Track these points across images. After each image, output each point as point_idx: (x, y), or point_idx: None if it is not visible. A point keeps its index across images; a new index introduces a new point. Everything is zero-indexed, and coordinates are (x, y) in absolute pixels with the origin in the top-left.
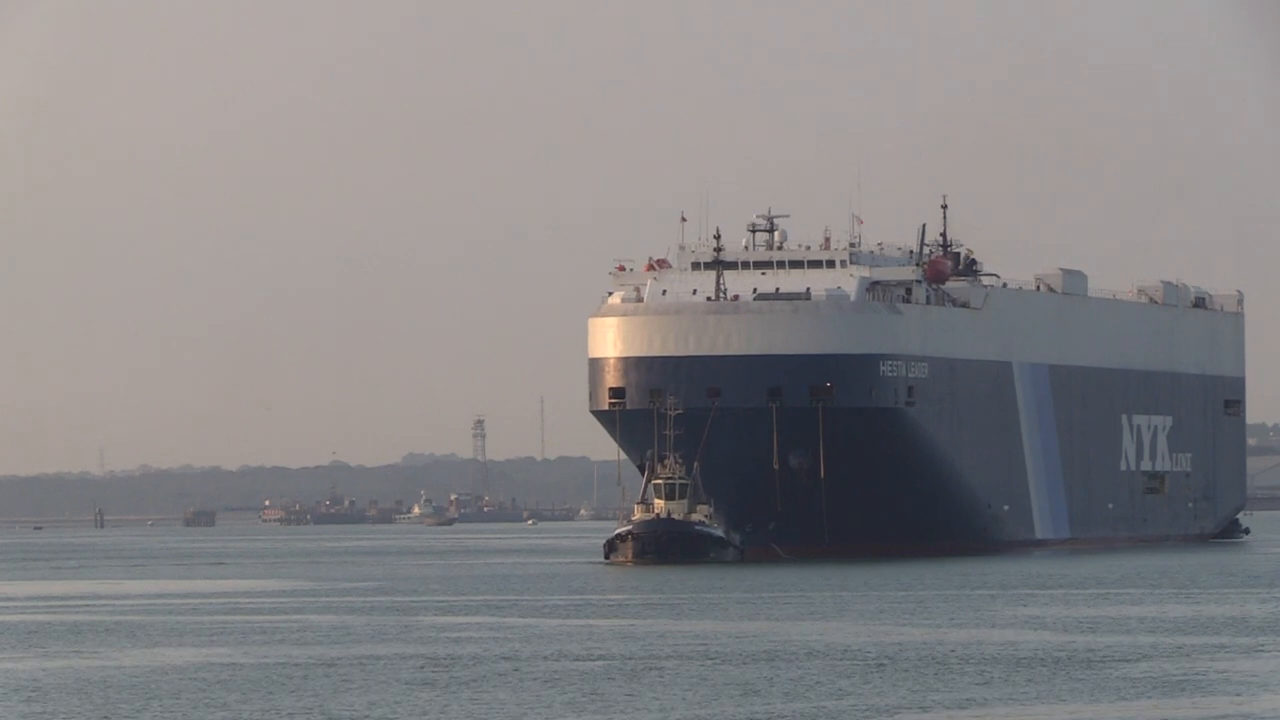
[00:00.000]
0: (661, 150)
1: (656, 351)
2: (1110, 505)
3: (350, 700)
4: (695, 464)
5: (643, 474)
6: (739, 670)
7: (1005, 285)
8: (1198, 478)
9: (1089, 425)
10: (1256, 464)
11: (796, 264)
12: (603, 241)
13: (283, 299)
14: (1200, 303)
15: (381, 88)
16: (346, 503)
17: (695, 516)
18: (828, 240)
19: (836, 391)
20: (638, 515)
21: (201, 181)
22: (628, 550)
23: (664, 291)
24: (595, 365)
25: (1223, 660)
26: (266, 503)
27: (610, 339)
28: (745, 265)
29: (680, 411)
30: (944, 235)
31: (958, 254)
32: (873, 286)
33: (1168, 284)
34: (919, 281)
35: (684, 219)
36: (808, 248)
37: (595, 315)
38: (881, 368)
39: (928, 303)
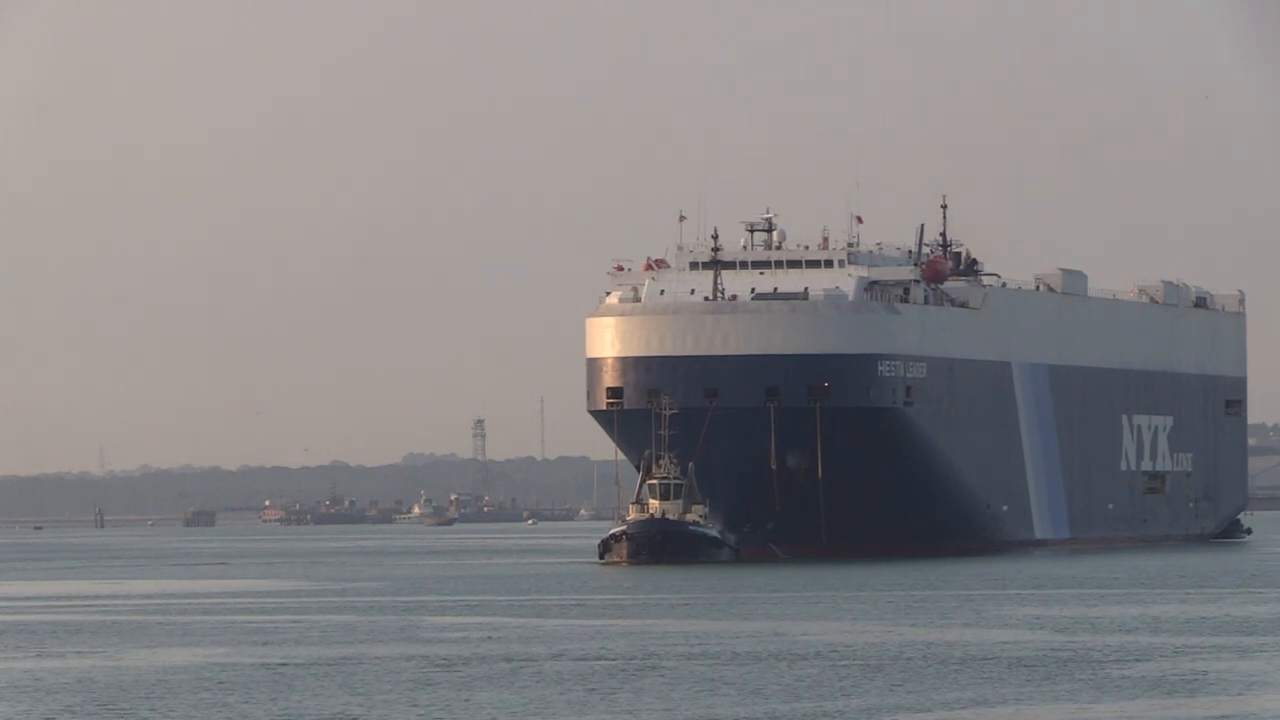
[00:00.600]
0: (661, 150)
1: (654, 351)
2: (1110, 505)
3: (351, 700)
4: (690, 464)
5: (640, 474)
6: (738, 670)
7: (1005, 285)
8: (1199, 478)
9: (1089, 425)
10: (1257, 464)
11: (795, 264)
12: (603, 241)
13: (283, 299)
14: (1201, 302)
15: (381, 88)
16: (346, 503)
17: (690, 517)
18: (826, 240)
19: (834, 391)
20: (632, 515)
21: (202, 182)
22: (622, 550)
23: (662, 291)
24: (593, 365)
25: (1223, 660)
26: (266, 503)
27: (608, 339)
28: (743, 265)
29: (675, 411)
30: (944, 235)
31: (958, 254)
32: (871, 286)
33: (1168, 284)
34: (917, 281)
35: (682, 218)
36: (806, 247)
37: (593, 315)
38: (879, 368)
39: (926, 303)
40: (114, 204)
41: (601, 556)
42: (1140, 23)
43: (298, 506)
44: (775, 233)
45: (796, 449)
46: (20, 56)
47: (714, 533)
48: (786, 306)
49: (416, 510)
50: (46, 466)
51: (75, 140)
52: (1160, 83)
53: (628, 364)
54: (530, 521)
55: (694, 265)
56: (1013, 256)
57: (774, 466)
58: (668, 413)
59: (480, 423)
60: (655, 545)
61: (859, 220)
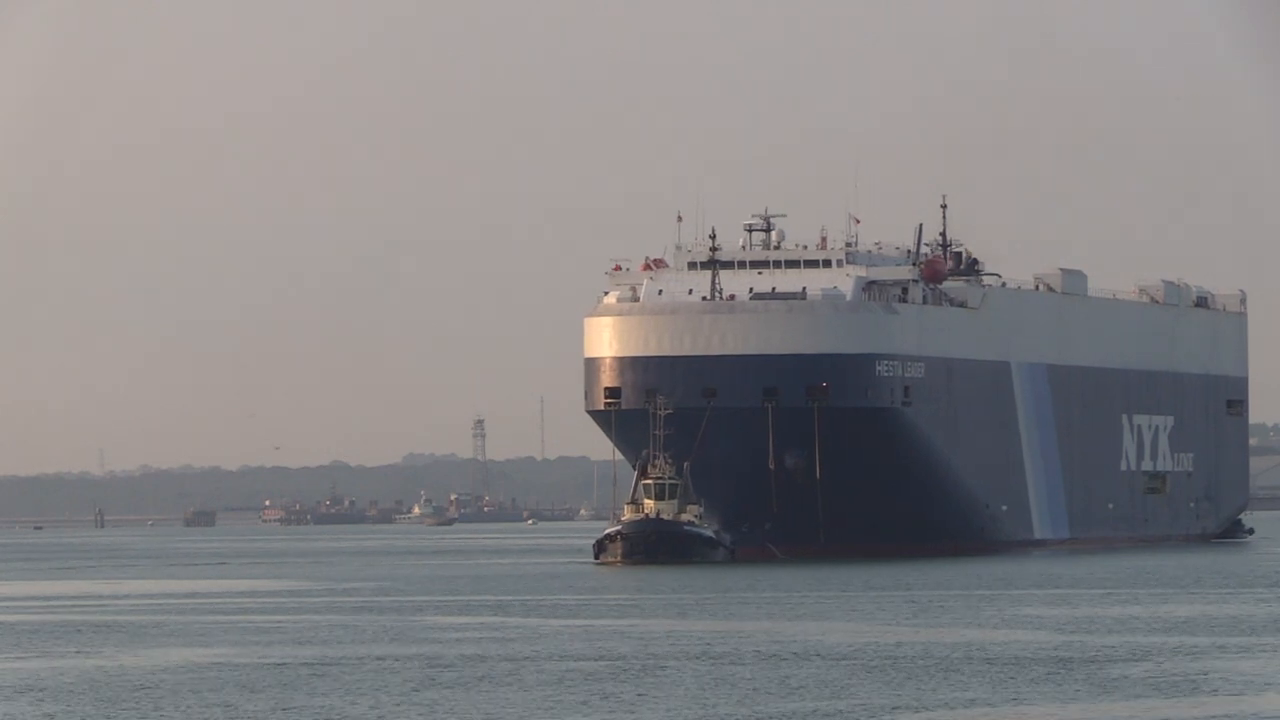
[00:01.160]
0: (660, 150)
1: (652, 351)
2: (1110, 505)
3: (354, 700)
4: (685, 464)
5: (636, 474)
6: (736, 670)
7: (1004, 285)
8: (1199, 478)
9: (1089, 425)
10: (1257, 464)
11: (793, 264)
12: (603, 241)
13: (283, 299)
14: (1202, 302)
15: (380, 89)
16: (346, 503)
17: (685, 517)
18: (824, 240)
19: (832, 391)
20: (627, 515)
21: (202, 181)
22: (617, 550)
23: (660, 291)
24: (591, 365)
25: (1223, 660)
26: (266, 503)
27: (606, 339)
28: (742, 265)
29: (669, 411)
30: (944, 235)
31: (959, 254)
32: (869, 286)
33: (1168, 283)
34: (916, 281)
35: (680, 218)
36: (804, 247)
37: (591, 315)
38: (877, 367)
39: (924, 302)
40: (114, 204)
41: (596, 557)
42: (1140, 23)
43: (298, 506)
44: (774, 233)
45: (794, 449)
46: (20, 56)
47: (709, 533)
48: (784, 306)
49: (416, 510)
50: (46, 466)
51: (75, 140)
52: (1160, 83)
53: (625, 364)
54: (530, 521)
55: (692, 265)
56: (1013, 257)
57: (772, 466)
58: (663, 413)
59: (480, 423)
60: (650, 545)
61: (857, 220)
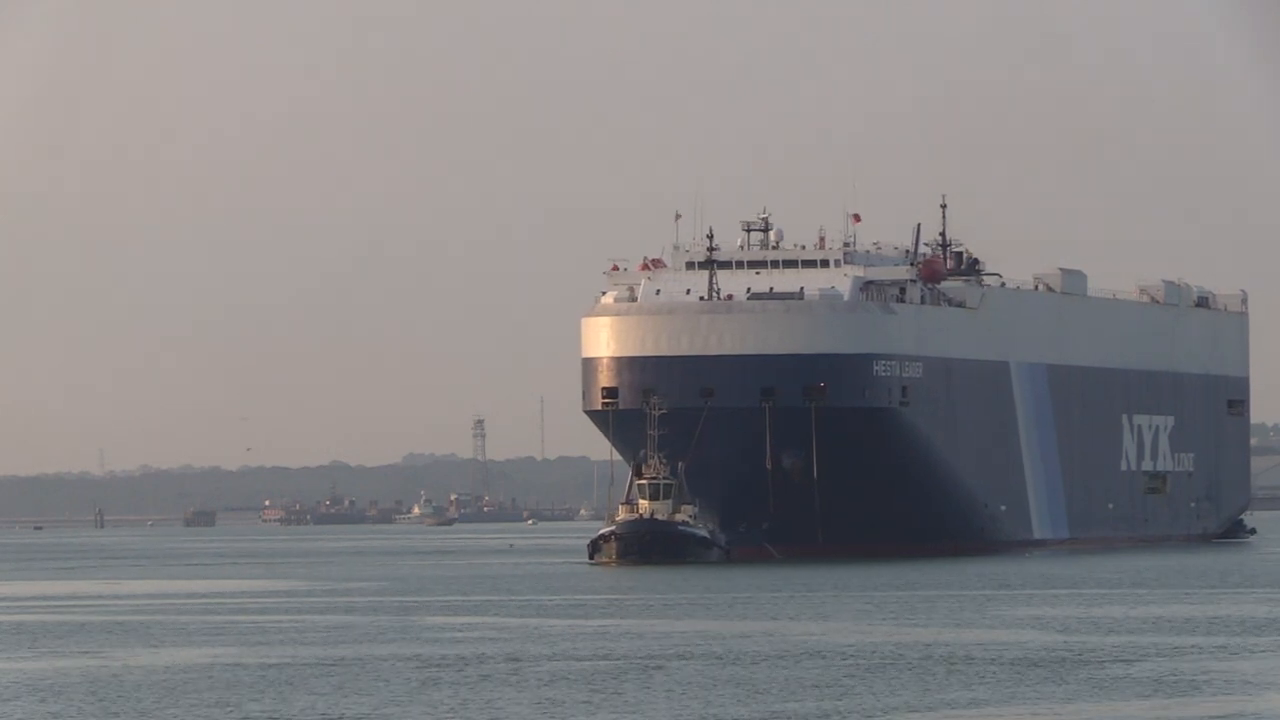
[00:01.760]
0: (659, 149)
1: (649, 351)
2: (1110, 505)
3: (358, 700)
4: (680, 464)
5: (630, 474)
6: (737, 671)
7: (1004, 285)
8: (1200, 478)
9: (1089, 425)
10: (1258, 464)
11: (791, 263)
12: (603, 240)
13: (283, 299)
14: (1203, 302)
15: (380, 88)
16: (346, 503)
17: (679, 517)
18: (822, 240)
19: (830, 391)
20: (621, 515)
21: (201, 181)
22: (611, 551)
23: (658, 291)
24: (588, 365)
25: (1223, 660)
26: (266, 503)
27: (603, 339)
28: (739, 265)
29: (664, 411)
30: (943, 235)
31: (959, 254)
32: (866, 286)
33: (1169, 283)
34: (914, 281)
35: (679, 218)
36: (802, 247)
37: (588, 315)
38: (875, 367)
39: (922, 302)
40: (114, 204)
41: (591, 557)
42: (1140, 23)
43: (298, 506)
44: (772, 232)
45: (792, 449)
46: (20, 56)
47: (703, 533)
48: (782, 306)
49: (416, 510)
50: (46, 466)
51: (75, 140)
52: (1160, 83)
53: (623, 364)
54: (530, 521)
55: (690, 265)
56: (1013, 257)
57: (769, 466)
58: (657, 413)
59: (480, 423)
60: (644, 545)
61: (855, 220)
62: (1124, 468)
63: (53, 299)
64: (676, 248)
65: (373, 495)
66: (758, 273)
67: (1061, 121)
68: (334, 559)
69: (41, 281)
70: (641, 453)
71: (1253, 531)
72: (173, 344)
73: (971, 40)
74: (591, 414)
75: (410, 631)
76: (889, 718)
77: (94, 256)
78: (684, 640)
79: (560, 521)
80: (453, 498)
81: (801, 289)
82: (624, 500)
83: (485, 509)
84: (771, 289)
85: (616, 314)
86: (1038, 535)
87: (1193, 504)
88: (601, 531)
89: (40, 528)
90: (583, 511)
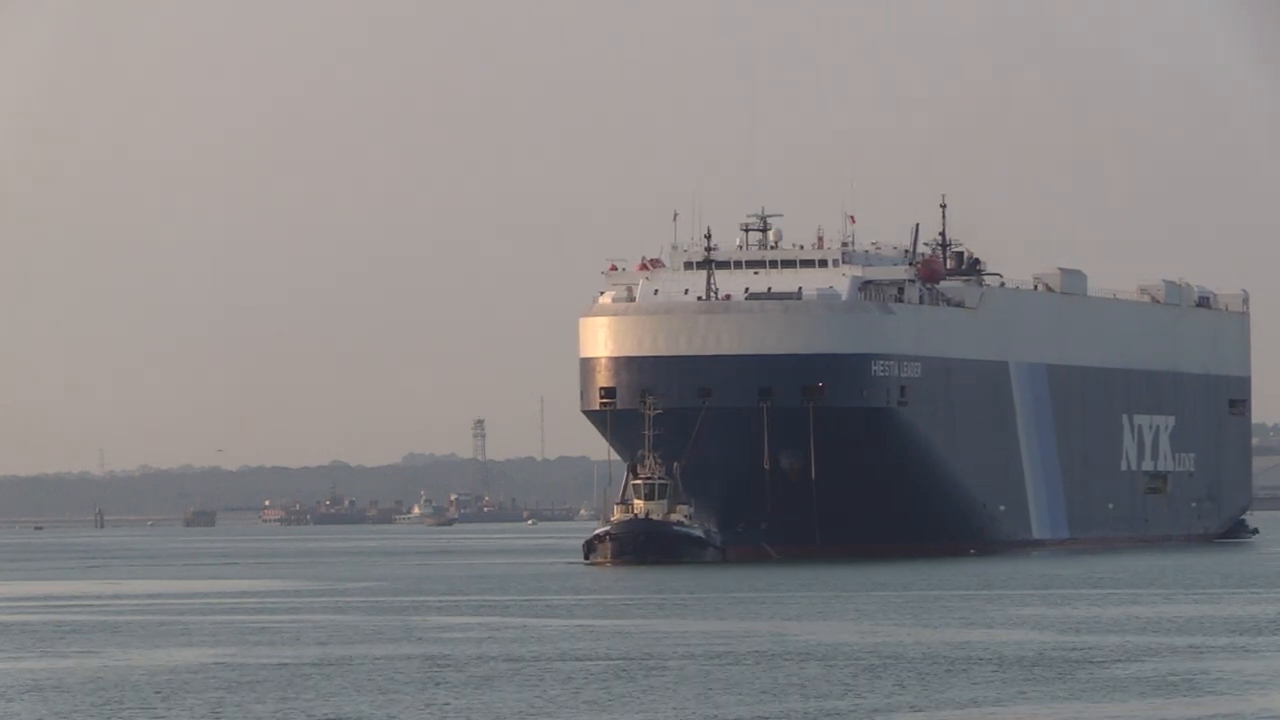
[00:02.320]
0: (658, 149)
1: (647, 351)
2: (1110, 505)
3: (361, 700)
4: (675, 464)
5: (626, 474)
6: (735, 671)
7: (1003, 284)
8: (1201, 478)
9: (1088, 425)
10: (1259, 464)
11: (789, 263)
12: (603, 240)
13: (283, 299)
14: (1204, 302)
15: (380, 89)
16: (346, 503)
17: (674, 517)
18: (821, 240)
19: (828, 391)
20: (617, 515)
21: (201, 182)
22: (606, 551)
23: (656, 291)
24: (586, 365)
25: (1223, 660)
26: (266, 503)
27: (601, 339)
28: (737, 265)
29: (659, 412)
30: (943, 235)
31: (960, 253)
32: (865, 286)
33: (1169, 283)
34: (912, 281)
35: (677, 218)
36: (801, 247)
37: (586, 315)
38: (873, 367)
39: (921, 302)
40: (114, 203)
41: (586, 557)
42: (1140, 23)
43: (298, 506)
44: (770, 232)
45: (790, 449)
46: (20, 56)
47: (698, 533)
48: (780, 306)
49: (416, 510)
50: (46, 466)
51: (75, 140)
52: (1160, 83)
53: (621, 364)
54: (530, 521)
55: (688, 265)
56: (1013, 257)
57: (767, 467)
58: (652, 413)
59: (480, 423)
60: (639, 545)
61: (853, 220)
62: (1124, 468)
63: (53, 299)
64: (675, 248)
65: (373, 495)
66: (756, 273)
67: (1061, 121)
68: (334, 559)
69: (41, 281)
70: (639, 453)
71: (1255, 531)
72: (173, 344)
73: (971, 40)
74: (590, 414)
75: (401, 632)
76: (889, 718)
77: (94, 256)
78: (682, 640)
79: (560, 521)
80: (453, 498)
81: (800, 289)
82: (619, 500)
83: (485, 509)
84: (770, 289)
85: (614, 314)
86: (1037, 535)
87: (1193, 504)
88: (596, 532)
89: (40, 528)
90: (583, 512)
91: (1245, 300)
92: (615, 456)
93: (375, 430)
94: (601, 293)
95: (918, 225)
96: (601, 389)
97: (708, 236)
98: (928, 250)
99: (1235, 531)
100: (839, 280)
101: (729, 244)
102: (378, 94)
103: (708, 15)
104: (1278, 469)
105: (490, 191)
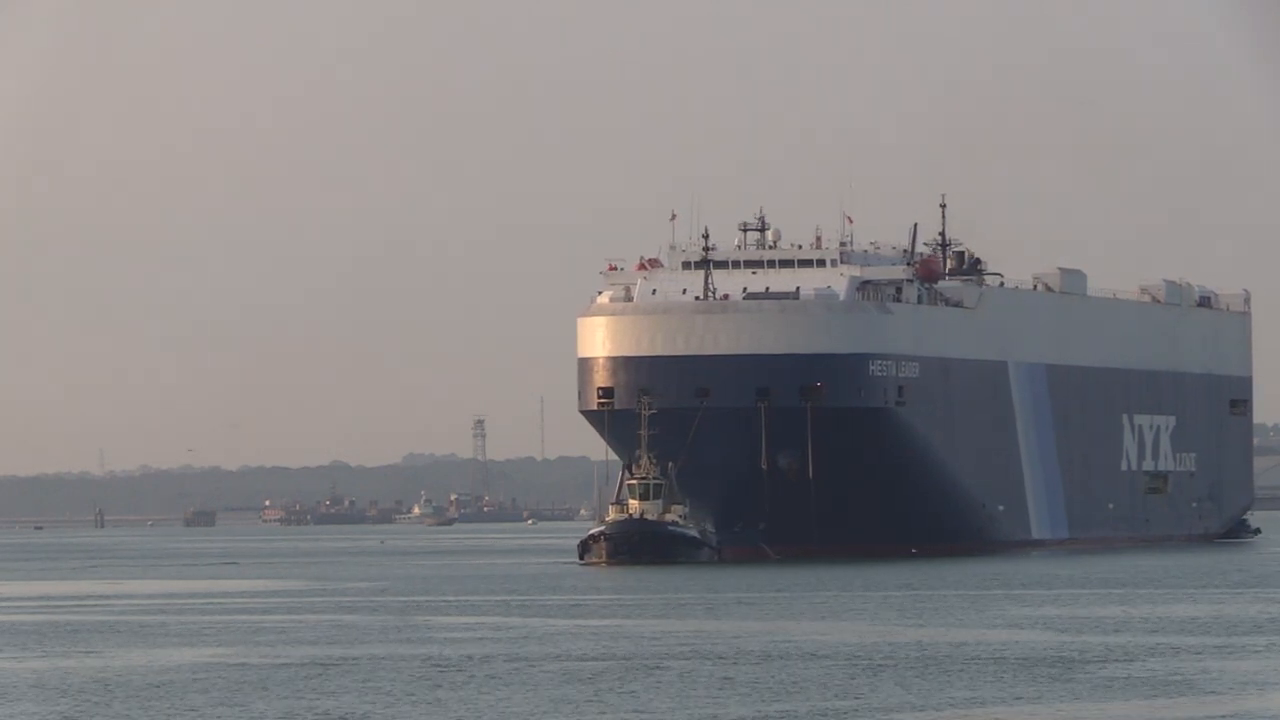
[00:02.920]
0: (656, 149)
1: (645, 351)
2: (1110, 505)
3: (363, 700)
4: (670, 464)
5: (621, 474)
6: (735, 671)
7: (1003, 284)
8: (1202, 478)
9: (1088, 425)
10: (1260, 464)
11: (787, 263)
12: (602, 240)
13: (283, 299)
14: (1205, 302)
15: (379, 89)
16: (346, 503)
17: (669, 517)
18: (819, 240)
19: (826, 391)
20: (612, 516)
21: (201, 182)
22: (601, 551)
23: (654, 291)
24: (584, 365)
25: (1222, 660)
26: (266, 503)
27: (599, 338)
28: (736, 264)
29: (654, 412)
30: (943, 234)
31: (960, 253)
32: (863, 286)
33: (1170, 283)
34: (910, 281)
35: (675, 217)
36: (799, 247)
37: (584, 315)
38: (871, 367)
39: (919, 302)
40: (114, 204)
41: (581, 557)
42: (1140, 23)
43: (298, 506)
44: (768, 232)
45: (788, 449)
46: (20, 56)
47: (693, 533)
48: (777, 306)
49: (416, 510)
50: (46, 466)
51: (76, 140)
52: (1160, 83)
53: (619, 364)
54: (530, 521)
55: (686, 265)
56: (1013, 257)
57: (765, 467)
58: (648, 413)
59: (480, 423)
60: (634, 545)
61: (850, 220)
62: (1124, 468)
63: (53, 299)
64: (673, 247)
65: (373, 495)
66: (754, 272)
67: (1061, 121)
68: (334, 559)
69: (41, 282)
70: (635, 453)
71: (1257, 531)
72: (173, 344)
73: (971, 40)
74: (588, 414)
75: (396, 631)
76: (889, 718)
77: (94, 257)
78: (680, 640)
79: (560, 521)
80: (453, 498)
81: (798, 289)
82: (614, 500)
83: (485, 509)
84: (768, 289)
85: (612, 314)
86: (1036, 535)
87: (1194, 504)
88: (591, 532)
89: (40, 528)
90: (583, 511)
91: (1246, 300)
92: (614, 456)
93: (375, 430)
94: (600, 292)
95: (916, 225)
96: (599, 389)
97: (706, 236)
98: (927, 250)
99: (1237, 531)
100: (837, 280)
101: (727, 244)
102: (378, 94)
103: (708, 15)
104: (1276, 469)
105: (490, 191)
